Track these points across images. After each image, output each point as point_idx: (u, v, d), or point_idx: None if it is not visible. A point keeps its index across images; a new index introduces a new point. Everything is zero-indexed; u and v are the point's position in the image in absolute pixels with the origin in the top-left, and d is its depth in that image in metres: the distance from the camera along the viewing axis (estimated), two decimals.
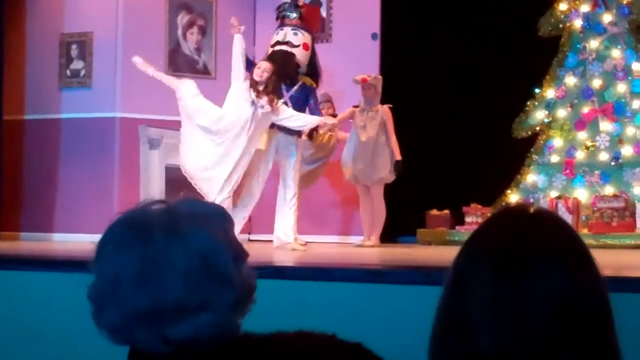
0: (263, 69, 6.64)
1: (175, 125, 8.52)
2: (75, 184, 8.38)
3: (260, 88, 6.58)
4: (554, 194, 8.33)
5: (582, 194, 8.26)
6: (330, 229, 8.47)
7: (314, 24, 7.61)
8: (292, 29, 7.25)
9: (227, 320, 1.39)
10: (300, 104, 7.05)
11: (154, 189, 8.14)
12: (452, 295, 1.20)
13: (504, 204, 7.97)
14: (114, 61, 8.41)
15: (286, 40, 7.18)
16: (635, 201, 7.97)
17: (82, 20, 8.53)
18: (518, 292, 1.14)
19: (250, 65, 6.83)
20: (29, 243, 7.62)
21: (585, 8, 8.64)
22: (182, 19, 8.67)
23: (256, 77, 6.63)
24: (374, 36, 8.35)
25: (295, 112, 6.81)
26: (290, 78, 7.03)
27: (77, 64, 8.59)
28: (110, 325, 1.38)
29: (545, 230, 1.20)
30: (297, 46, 7.19)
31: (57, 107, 8.58)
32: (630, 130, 8.34)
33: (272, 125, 6.90)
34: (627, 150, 8.28)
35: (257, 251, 6.78)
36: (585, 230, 7.91)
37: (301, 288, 4.08)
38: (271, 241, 8.13)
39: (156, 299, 1.35)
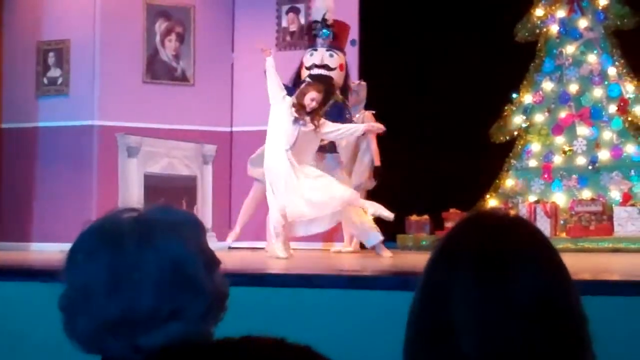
0: (314, 99, 6.52)
1: (154, 133, 8.51)
2: (53, 193, 8.33)
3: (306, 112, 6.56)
4: (532, 198, 8.37)
5: (560, 198, 8.31)
6: (312, 236, 8.45)
7: (344, 40, 7.50)
8: (327, 50, 7.19)
9: (199, 329, 1.39)
10: (333, 120, 7.00)
11: (132, 197, 8.11)
12: (430, 301, 1.22)
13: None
14: (92, 69, 8.38)
15: (324, 63, 7.14)
16: (613, 205, 8.02)
17: (59, 27, 8.48)
18: (502, 295, 1.17)
19: (288, 90, 6.76)
20: (6, 253, 7.56)
21: (561, 14, 8.70)
22: (160, 26, 8.65)
23: (305, 105, 6.53)
24: (352, 43, 8.35)
25: (339, 125, 6.73)
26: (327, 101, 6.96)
27: (54, 72, 8.55)
28: (81, 335, 1.38)
29: (520, 235, 1.24)
30: (334, 69, 7.16)
31: (35, 116, 8.53)
32: (606, 135, 8.40)
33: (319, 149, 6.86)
34: (604, 155, 8.34)
35: (238, 259, 6.77)
36: (563, 234, 7.96)
37: (281, 295, 4.08)
38: (251, 248, 8.13)
39: (127, 308, 1.34)
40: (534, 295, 1.17)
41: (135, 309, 1.34)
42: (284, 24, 8.82)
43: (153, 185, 8.37)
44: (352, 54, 8.41)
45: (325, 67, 7.13)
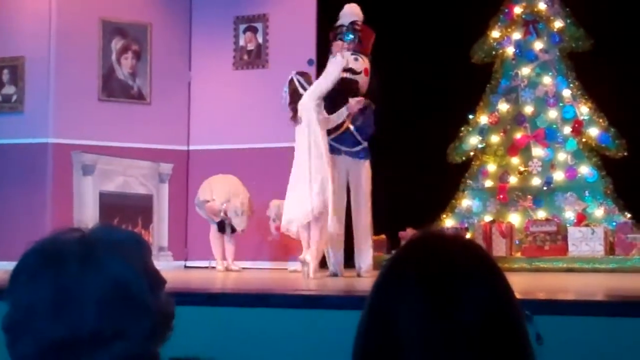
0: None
1: (109, 151, 8.43)
2: (6, 211, 8.21)
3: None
4: (488, 218, 8.43)
5: (515, 219, 8.38)
6: (267, 255, 8.42)
7: (368, 45, 7.40)
8: (353, 54, 7.16)
9: (144, 349, 1.38)
10: (364, 123, 7.02)
11: (87, 215, 8.01)
12: (377, 321, 1.23)
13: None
14: (47, 86, 8.29)
15: (349, 67, 7.10)
16: (567, 225, 8.10)
17: (13, 44, 8.39)
18: (449, 314, 1.18)
19: None
20: None
21: (517, 36, 8.81)
22: (116, 43, 8.59)
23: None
24: (310, 62, 8.37)
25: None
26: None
27: (8, 89, 8.44)
28: (24, 356, 1.36)
29: (465, 255, 1.25)
30: (360, 73, 7.13)
31: None
32: (561, 156, 8.50)
33: (340, 151, 6.88)
34: (558, 175, 8.44)
35: (195, 278, 6.70)
36: (518, 254, 8.02)
37: (236, 314, 4.04)
38: (207, 267, 8.07)
39: (71, 329, 1.33)
40: (479, 314, 1.19)
41: (78, 329, 1.33)
42: (242, 43, 8.81)
43: (108, 203, 8.29)
44: (310, 73, 8.43)
45: (350, 70, 7.10)
